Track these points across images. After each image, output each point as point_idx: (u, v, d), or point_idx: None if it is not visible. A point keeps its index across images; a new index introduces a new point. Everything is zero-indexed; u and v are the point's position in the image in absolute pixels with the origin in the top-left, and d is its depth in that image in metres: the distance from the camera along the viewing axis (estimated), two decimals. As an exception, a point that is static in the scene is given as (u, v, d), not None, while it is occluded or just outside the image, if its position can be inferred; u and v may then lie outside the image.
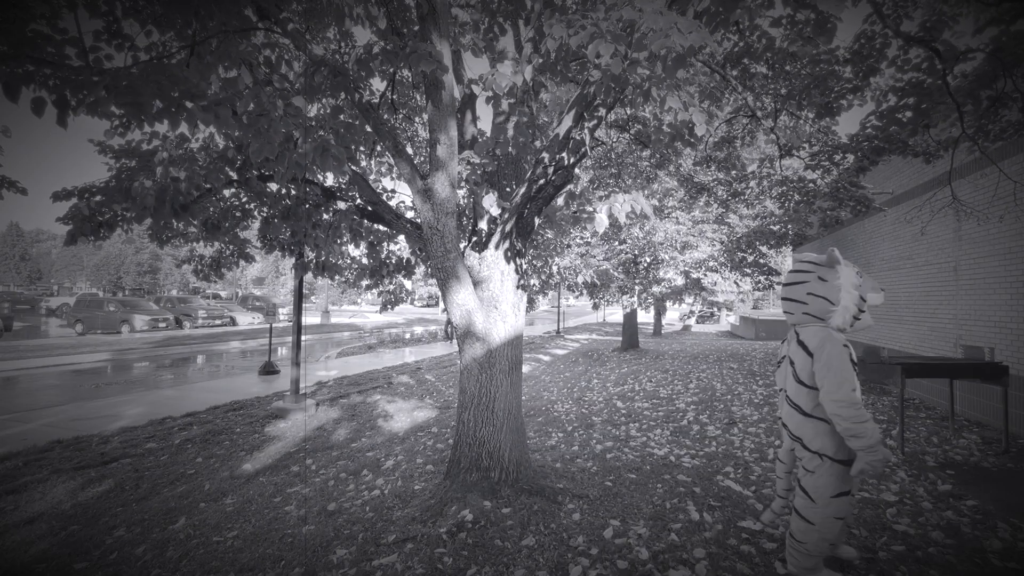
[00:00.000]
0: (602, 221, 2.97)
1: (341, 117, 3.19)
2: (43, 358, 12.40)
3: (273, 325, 11.82)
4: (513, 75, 2.71)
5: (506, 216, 3.47)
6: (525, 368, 10.67)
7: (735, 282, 13.25)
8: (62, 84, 1.99)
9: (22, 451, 5.08)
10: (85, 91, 1.99)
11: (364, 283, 5.10)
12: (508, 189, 3.95)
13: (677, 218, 11.95)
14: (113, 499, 3.95)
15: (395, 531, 3.05)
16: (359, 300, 47.23)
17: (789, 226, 10.29)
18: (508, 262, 3.66)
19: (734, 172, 8.18)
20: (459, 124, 3.98)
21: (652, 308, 16.48)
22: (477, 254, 3.64)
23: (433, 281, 3.87)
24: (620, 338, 16.06)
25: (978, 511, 3.25)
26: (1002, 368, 4.42)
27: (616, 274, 11.82)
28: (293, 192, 3.99)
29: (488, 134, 4.06)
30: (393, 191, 4.95)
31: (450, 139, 3.27)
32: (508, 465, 3.48)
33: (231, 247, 4.56)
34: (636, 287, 12.20)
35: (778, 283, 13.62)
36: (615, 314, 33.66)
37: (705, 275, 13.08)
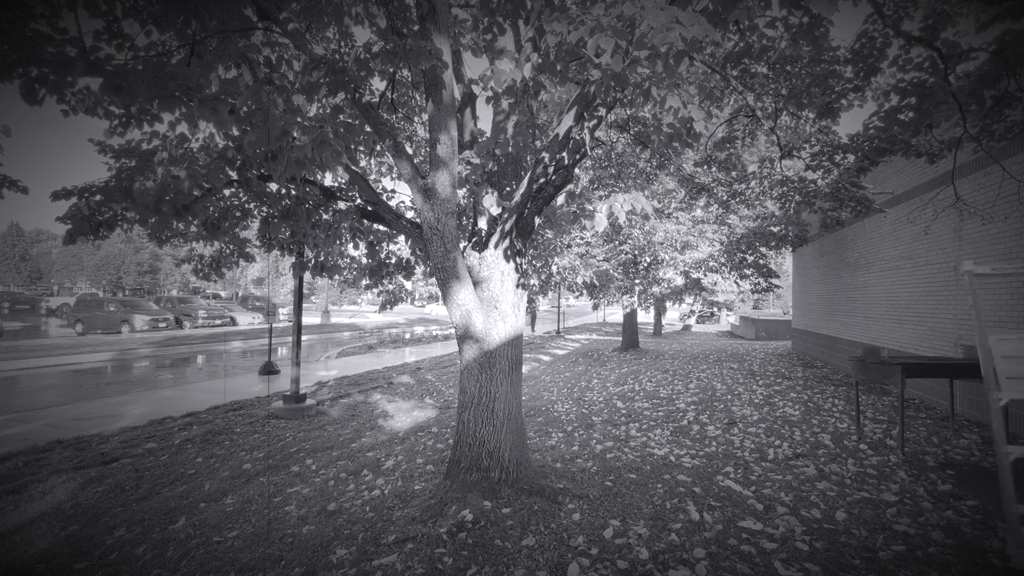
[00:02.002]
0: (601, 220, 2.97)
1: (341, 117, 3.18)
2: (43, 358, 12.40)
3: (273, 325, 11.83)
4: (512, 72, 2.70)
5: (506, 216, 3.47)
6: (525, 368, 10.66)
7: (735, 282, 13.25)
8: (48, 66, 2.00)
9: (22, 451, 5.07)
10: (70, 75, 2.00)
11: (364, 283, 5.09)
12: (508, 189, 3.95)
13: (677, 218, 11.95)
14: (113, 499, 3.95)
15: (395, 531, 3.05)
16: (359, 300, 47.28)
17: (789, 228, 10.28)
18: (508, 262, 3.66)
19: (734, 172, 8.18)
20: (459, 124, 3.98)
21: (652, 308, 16.50)
22: (477, 254, 3.64)
23: (433, 281, 3.87)
24: (620, 338, 16.06)
25: (978, 511, 3.24)
26: (1003, 368, 4.41)
27: (616, 274, 11.82)
28: (293, 192, 3.98)
29: (488, 134, 4.05)
30: (393, 191, 4.94)
31: (451, 138, 3.27)
32: (508, 465, 3.47)
33: (231, 247, 4.56)
34: (636, 287, 12.20)
35: (777, 285, 13.61)
36: (615, 314, 33.66)
37: (705, 275, 13.07)
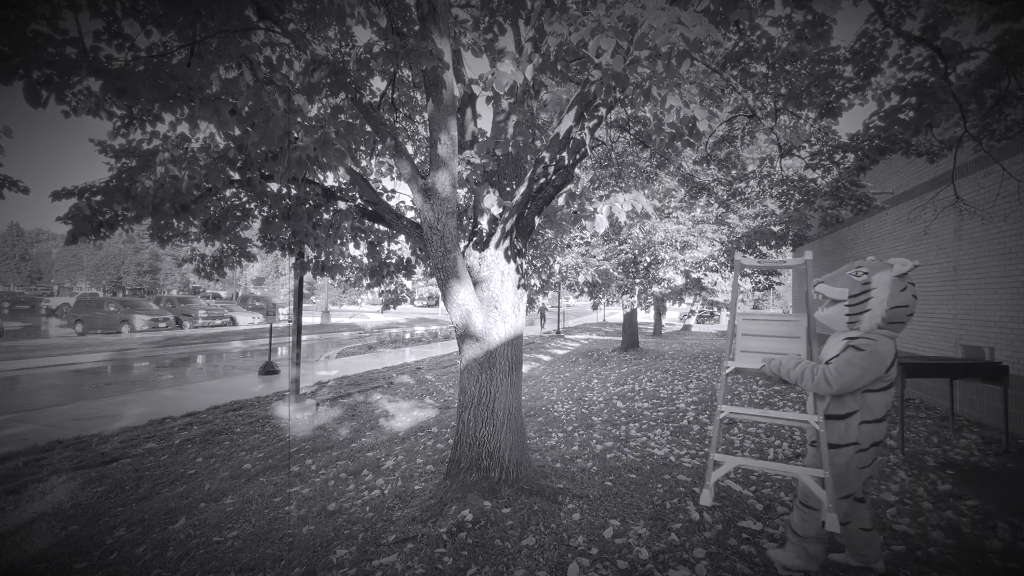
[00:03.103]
0: (602, 221, 2.97)
1: (341, 117, 3.18)
2: (43, 358, 12.40)
3: (273, 325, 11.82)
4: (514, 73, 2.70)
5: (507, 215, 3.47)
6: (525, 368, 10.66)
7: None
8: (49, 67, 2.00)
9: (22, 451, 5.07)
10: (74, 76, 2.00)
11: (365, 283, 5.10)
12: (508, 188, 3.95)
13: (677, 218, 11.95)
14: (113, 499, 3.95)
15: (395, 531, 3.05)
16: (359, 300, 47.31)
17: (789, 226, 10.29)
18: (508, 262, 3.66)
19: (734, 172, 8.18)
20: (460, 123, 3.97)
21: (652, 308, 16.49)
22: (477, 253, 3.64)
23: (433, 281, 3.88)
24: (620, 338, 16.05)
25: (978, 511, 3.25)
26: (1002, 368, 4.42)
27: (616, 274, 11.83)
28: (294, 192, 3.99)
29: (488, 134, 4.05)
30: (393, 191, 4.94)
31: (451, 138, 3.27)
32: (508, 465, 3.47)
33: (232, 246, 4.56)
34: (636, 287, 12.20)
35: (777, 283, 13.62)
36: (615, 314, 33.65)
37: (705, 275, 13.07)
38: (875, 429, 2.31)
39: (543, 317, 24.32)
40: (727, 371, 2.68)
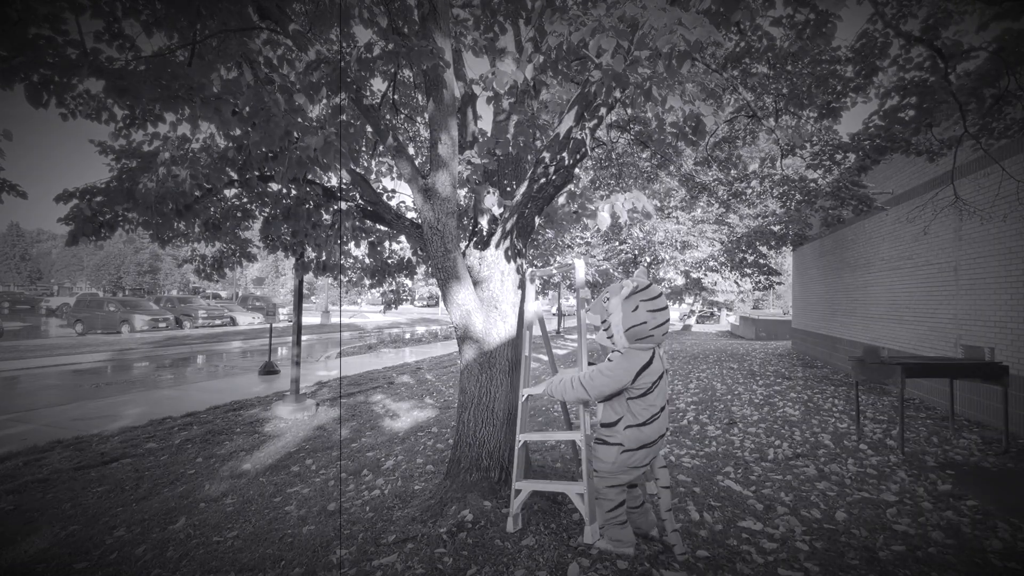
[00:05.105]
0: (605, 219, 2.97)
1: (343, 117, 3.18)
2: (43, 358, 12.40)
3: (273, 325, 11.82)
4: (514, 73, 2.71)
5: (507, 215, 3.47)
6: (525, 368, 10.64)
7: (735, 282, 13.26)
8: (50, 69, 2.00)
9: (22, 451, 5.07)
10: (76, 77, 2.00)
11: (366, 283, 5.10)
12: (508, 188, 3.95)
13: (677, 218, 11.96)
14: (113, 499, 3.95)
15: (395, 531, 3.05)
16: (359, 300, 47.31)
17: (790, 226, 10.28)
18: (508, 261, 3.66)
19: (734, 172, 8.19)
20: (460, 123, 3.97)
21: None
22: (478, 253, 3.64)
23: (434, 281, 3.88)
24: (620, 338, 16.03)
25: (978, 511, 3.25)
26: (1002, 368, 4.42)
27: (616, 274, 11.83)
28: (294, 192, 3.99)
29: (489, 134, 4.05)
30: (393, 191, 4.94)
31: (451, 138, 3.27)
32: (508, 465, 3.47)
33: (233, 247, 4.56)
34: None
35: (778, 283, 13.62)
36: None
37: (705, 275, 13.09)
38: (640, 433, 2.53)
39: (559, 315, 25.61)
40: (522, 399, 3.12)
